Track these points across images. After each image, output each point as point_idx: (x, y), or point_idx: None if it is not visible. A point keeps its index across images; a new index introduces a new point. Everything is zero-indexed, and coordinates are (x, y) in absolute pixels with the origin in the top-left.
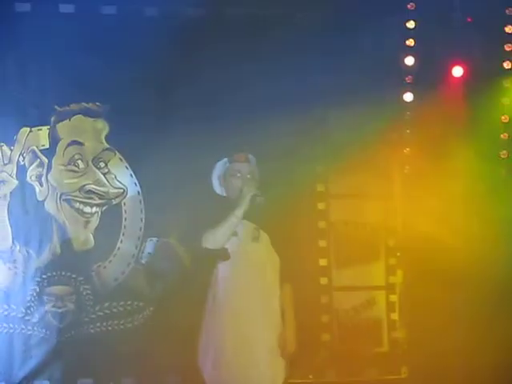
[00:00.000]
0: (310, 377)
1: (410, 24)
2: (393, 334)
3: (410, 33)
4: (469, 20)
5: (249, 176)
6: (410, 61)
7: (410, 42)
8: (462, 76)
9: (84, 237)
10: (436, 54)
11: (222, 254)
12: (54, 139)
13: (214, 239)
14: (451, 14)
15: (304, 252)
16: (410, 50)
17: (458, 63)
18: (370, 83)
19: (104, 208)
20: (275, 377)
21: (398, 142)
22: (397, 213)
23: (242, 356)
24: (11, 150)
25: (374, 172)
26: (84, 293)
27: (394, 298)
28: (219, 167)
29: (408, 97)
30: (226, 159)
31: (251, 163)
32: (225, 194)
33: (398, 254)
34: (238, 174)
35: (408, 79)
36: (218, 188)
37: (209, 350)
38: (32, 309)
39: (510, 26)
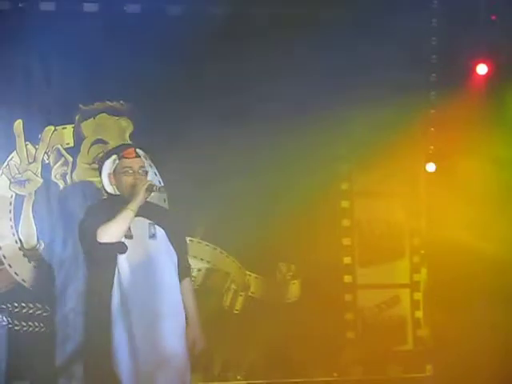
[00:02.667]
0: (335, 374)
1: (435, 22)
2: (417, 332)
3: (434, 31)
4: (493, 18)
5: (140, 171)
6: (434, 59)
7: (435, 40)
8: (487, 74)
9: None
10: (460, 52)
11: (119, 247)
12: (78, 138)
13: (108, 233)
14: (476, 11)
15: (328, 250)
16: (434, 48)
17: (482, 61)
18: (395, 81)
19: None
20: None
21: (422, 139)
22: (421, 211)
23: (153, 356)
24: (36, 149)
25: (399, 170)
26: None
27: (418, 295)
28: (108, 165)
29: (432, 95)
30: (115, 156)
31: (142, 158)
32: (117, 192)
33: (423, 251)
34: (130, 171)
35: (432, 77)
36: (108, 187)
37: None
38: (56, 307)
39: None
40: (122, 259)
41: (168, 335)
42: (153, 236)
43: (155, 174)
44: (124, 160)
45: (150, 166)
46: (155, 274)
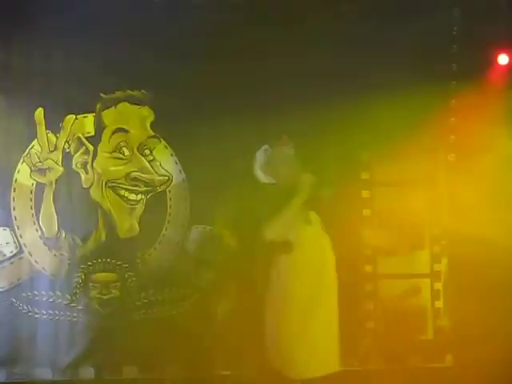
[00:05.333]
0: (355, 364)
1: (456, 12)
2: (437, 322)
3: (455, 21)
4: None
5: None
6: (455, 49)
7: (456, 31)
8: (508, 64)
9: (129, 224)
10: (482, 42)
11: (285, 247)
12: (99, 126)
13: (275, 231)
14: (496, 1)
15: (349, 240)
16: (455, 38)
17: (503, 51)
18: (416, 71)
19: (149, 195)
20: (330, 362)
21: (443, 129)
22: (442, 201)
23: (303, 340)
24: (57, 138)
25: (419, 160)
26: (129, 280)
27: (438, 285)
28: (260, 156)
29: (453, 84)
30: (266, 146)
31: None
32: (274, 181)
33: (443, 242)
34: (284, 159)
35: (453, 67)
36: (263, 178)
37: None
38: (77, 296)
39: None
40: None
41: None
42: (308, 222)
43: (176, 163)
44: (278, 148)
45: (171, 155)
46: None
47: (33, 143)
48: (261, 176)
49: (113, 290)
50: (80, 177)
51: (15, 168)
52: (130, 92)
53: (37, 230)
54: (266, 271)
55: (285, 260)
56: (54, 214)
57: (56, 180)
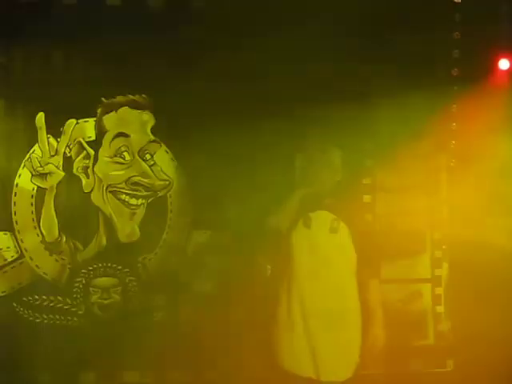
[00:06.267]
0: (356, 368)
1: (457, 17)
2: (438, 327)
3: (457, 26)
4: None
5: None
6: (456, 54)
7: (457, 35)
8: (509, 69)
9: (130, 229)
10: (483, 47)
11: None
12: (100, 131)
13: (276, 220)
14: (498, 6)
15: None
16: (456, 43)
17: (504, 56)
18: (417, 76)
19: (150, 200)
20: (346, 369)
21: (444, 135)
22: (443, 206)
23: (311, 346)
24: (58, 142)
25: (420, 165)
26: (130, 284)
27: (439, 290)
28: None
29: (454, 90)
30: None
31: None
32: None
33: (444, 246)
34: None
35: (454, 72)
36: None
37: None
38: (78, 300)
39: None
40: (298, 249)
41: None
42: (334, 231)
43: (176, 168)
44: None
45: (172, 159)
46: (330, 268)
47: (34, 148)
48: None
49: (113, 295)
50: (81, 181)
51: (16, 172)
52: (130, 97)
53: (38, 235)
54: (271, 275)
55: (301, 262)
56: (55, 218)
57: (57, 184)
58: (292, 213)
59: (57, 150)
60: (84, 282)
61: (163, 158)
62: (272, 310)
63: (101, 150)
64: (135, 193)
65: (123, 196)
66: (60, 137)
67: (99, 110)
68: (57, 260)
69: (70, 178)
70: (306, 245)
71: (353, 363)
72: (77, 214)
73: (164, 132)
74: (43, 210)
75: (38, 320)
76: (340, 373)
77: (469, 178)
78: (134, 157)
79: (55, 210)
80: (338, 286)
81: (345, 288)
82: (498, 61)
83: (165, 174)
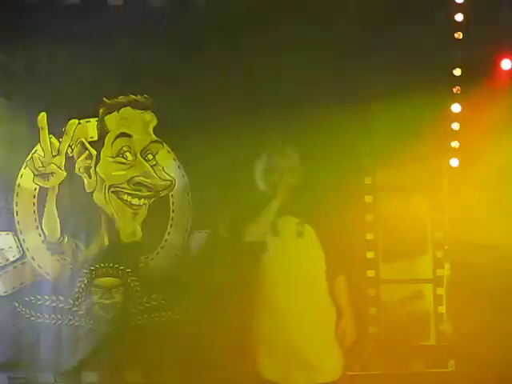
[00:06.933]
0: (358, 369)
1: (459, 17)
2: (440, 328)
3: (458, 26)
4: None
5: (287, 171)
6: (458, 54)
7: (459, 35)
8: (511, 69)
9: (132, 229)
10: (485, 47)
11: (260, 248)
12: (102, 131)
13: (251, 232)
14: (499, 6)
15: (351, 245)
16: (458, 43)
17: (506, 56)
18: (418, 76)
19: (152, 200)
20: (333, 369)
21: (445, 135)
22: (445, 206)
23: (292, 352)
24: (60, 142)
25: (422, 165)
26: (132, 284)
27: (441, 291)
28: (259, 164)
29: (456, 90)
30: (264, 155)
31: (290, 157)
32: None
33: (446, 247)
34: (277, 169)
35: (456, 72)
36: (261, 185)
37: (260, 345)
38: (80, 300)
39: None
40: (267, 257)
41: (309, 332)
42: (300, 234)
43: (179, 168)
44: (272, 159)
45: (174, 159)
46: (301, 271)
47: (36, 148)
48: (259, 183)
49: (115, 295)
50: (83, 181)
51: (18, 172)
52: (132, 97)
53: (39, 235)
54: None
55: (268, 265)
56: (57, 218)
57: (59, 184)
58: (265, 225)
59: (59, 149)
60: (86, 282)
61: (165, 158)
62: (247, 321)
63: (103, 150)
64: (137, 193)
65: (125, 196)
66: (62, 137)
67: (101, 110)
68: (58, 260)
69: (72, 178)
70: (276, 253)
71: (338, 363)
72: (79, 214)
73: (166, 132)
74: (45, 210)
75: (39, 320)
76: (326, 374)
77: (471, 178)
78: (136, 157)
79: (57, 210)
80: (311, 289)
81: (317, 290)
82: (501, 61)
83: (167, 174)
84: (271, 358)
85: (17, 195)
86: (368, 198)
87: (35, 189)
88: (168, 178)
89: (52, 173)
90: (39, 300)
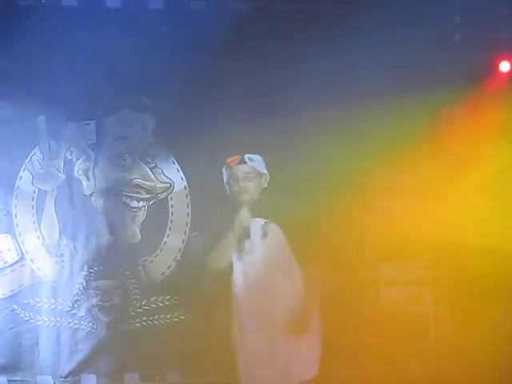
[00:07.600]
0: (357, 369)
1: (458, 19)
2: (439, 329)
3: (457, 28)
4: None
5: (250, 175)
6: (457, 56)
7: (458, 37)
8: (510, 71)
9: (131, 231)
10: (483, 50)
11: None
12: (101, 134)
13: (216, 259)
14: (499, 8)
15: (350, 247)
16: (457, 45)
17: (505, 58)
18: (418, 79)
19: (151, 202)
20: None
21: (445, 137)
22: (443, 208)
23: (267, 357)
24: (59, 145)
25: (421, 168)
26: (130, 287)
27: (439, 292)
28: (224, 173)
29: (455, 92)
30: (225, 165)
31: (249, 162)
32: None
33: (445, 249)
34: (238, 178)
35: (455, 74)
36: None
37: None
38: (79, 303)
39: None
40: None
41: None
42: (265, 235)
43: (177, 170)
44: (231, 168)
45: (173, 162)
46: (270, 270)
47: (35, 150)
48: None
49: (114, 297)
50: (81, 184)
51: (17, 175)
52: (131, 99)
53: (38, 237)
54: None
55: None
56: (56, 220)
57: (58, 187)
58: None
59: (58, 152)
60: (85, 284)
61: (164, 160)
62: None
63: (101, 152)
64: (136, 195)
65: (124, 198)
66: (61, 139)
67: (100, 113)
68: (57, 262)
69: (71, 180)
70: (246, 258)
71: (315, 359)
72: (78, 216)
73: (165, 134)
74: (44, 213)
75: (38, 322)
76: (305, 371)
77: (470, 180)
78: (134, 159)
79: (56, 213)
80: (281, 287)
81: (287, 286)
82: (499, 63)
83: (165, 176)
84: (248, 365)
85: (16, 197)
86: (367, 200)
87: (34, 191)
88: (167, 180)
89: (51, 175)
90: (38, 302)
